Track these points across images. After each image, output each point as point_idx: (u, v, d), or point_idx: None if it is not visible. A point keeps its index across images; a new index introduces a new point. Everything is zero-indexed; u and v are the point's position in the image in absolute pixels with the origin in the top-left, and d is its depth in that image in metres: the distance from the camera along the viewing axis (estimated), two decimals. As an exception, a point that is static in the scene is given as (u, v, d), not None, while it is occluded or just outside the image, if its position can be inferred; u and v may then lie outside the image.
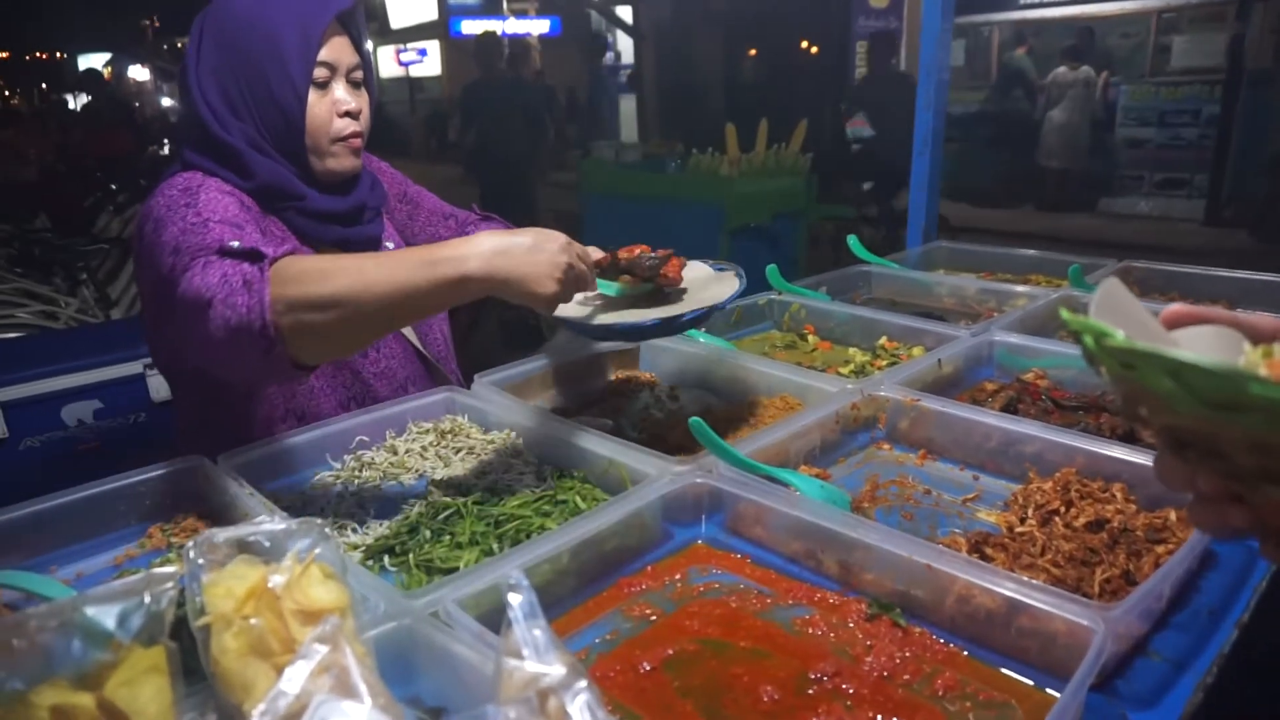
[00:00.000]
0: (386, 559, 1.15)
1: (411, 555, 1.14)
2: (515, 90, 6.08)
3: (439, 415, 1.56)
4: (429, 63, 17.98)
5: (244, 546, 0.81)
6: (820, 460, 1.43)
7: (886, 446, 1.50)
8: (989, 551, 1.10)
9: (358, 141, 1.48)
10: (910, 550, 1.03)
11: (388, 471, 1.39)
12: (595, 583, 1.11)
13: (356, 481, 1.36)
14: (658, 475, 1.22)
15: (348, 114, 1.45)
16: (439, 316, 1.72)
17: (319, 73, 1.41)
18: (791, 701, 0.89)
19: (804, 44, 10.62)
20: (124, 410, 2.62)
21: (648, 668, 0.94)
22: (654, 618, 1.04)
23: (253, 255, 1.11)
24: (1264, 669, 1.05)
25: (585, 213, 5.70)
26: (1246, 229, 7.58)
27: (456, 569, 1.07)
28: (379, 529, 1.23)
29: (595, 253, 1.45)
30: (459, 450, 1.43)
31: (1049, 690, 0.91)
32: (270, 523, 0.83)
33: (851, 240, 2.50)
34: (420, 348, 1.66)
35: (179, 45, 17.98)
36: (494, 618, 0.83)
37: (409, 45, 18.05)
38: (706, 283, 1.50)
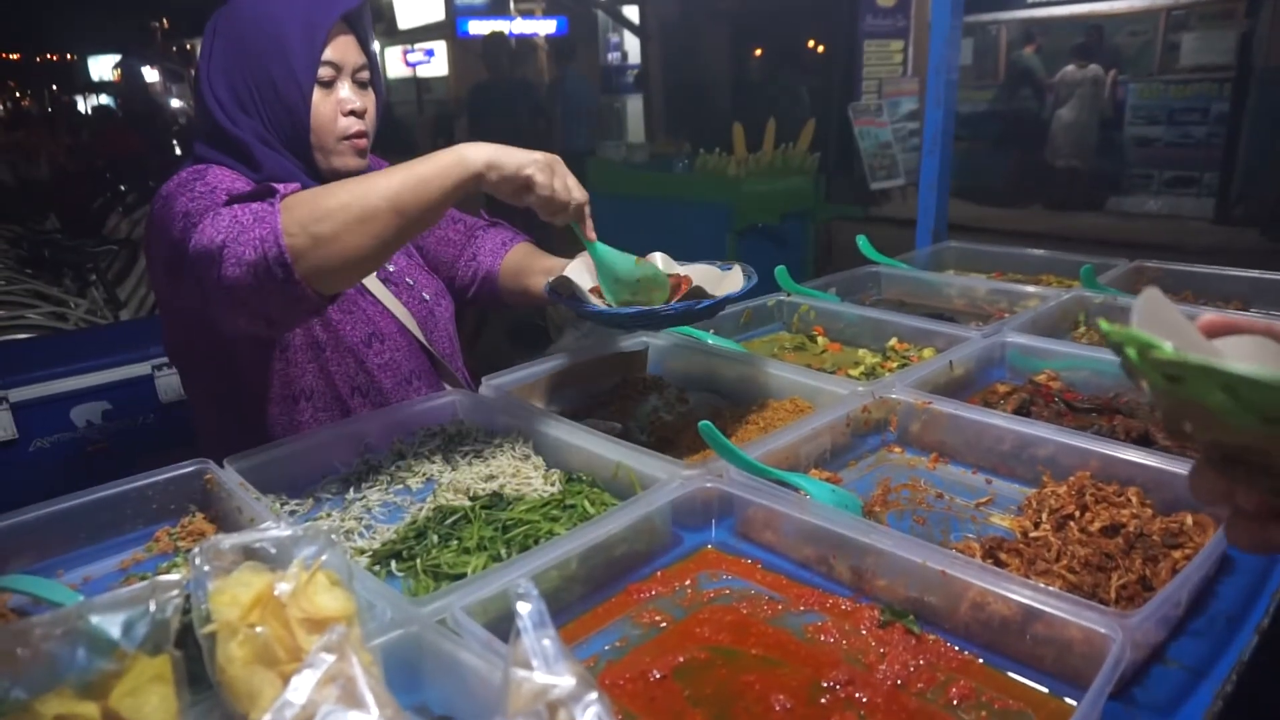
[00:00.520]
0: (393, 564, 1.14)
1: (419, 560, 1.13)
2: (523, 91, 6.08)
3: (446, 418, 1.55)
4: (436, 63, 18.00)
5: (250, 553, 0.80)
6: (831, 464, 1.42)
7: (898, 450, 1.49)
8: (1003, 557, 1.09)
9: (363, 141, 1.49)
10: (924, 556, 1.01)
11: (395, 475, 1.38)
12: (604, 589, 1.10)
13: (364, 485, 1.36)
14: (667, 479, 1.21)
15: (352, 113, 1.46)
16: (445, 315, 1.72)
17: (324, 72, 1.42)
18: (804, 711, 0.88)
19: (811, 43, 10.60)
20: (133, 411, 2.63)
21: (658, 676, 0.93)
22: (664, 625, 1.03)
23: (263, 193, 1.17)
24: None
25: (593, 213, 5.69)
26: (1258, 228, 7.53)
27: (464, 575, 1.07)
28: (386, 533, 1.22)
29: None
30: (466, 454, 1.42)
31: (1066, 699, 0.89)
32: (276, 529, 0.82)
33: (861, 240, 2.48)
34: (426, 343, 1.65)
35: (188, 46, 18.06)
36: (502, 625, 0.82)
37: (416, 46, 18.07)
38: (718, 280, 1.50)
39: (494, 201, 1.38)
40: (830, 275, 2.33)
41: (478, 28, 14.19)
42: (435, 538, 1.17)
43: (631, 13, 12.34)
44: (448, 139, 13.48)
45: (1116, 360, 0.47)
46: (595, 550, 1.08)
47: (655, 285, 1.42)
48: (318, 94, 1.42)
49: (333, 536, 0.83)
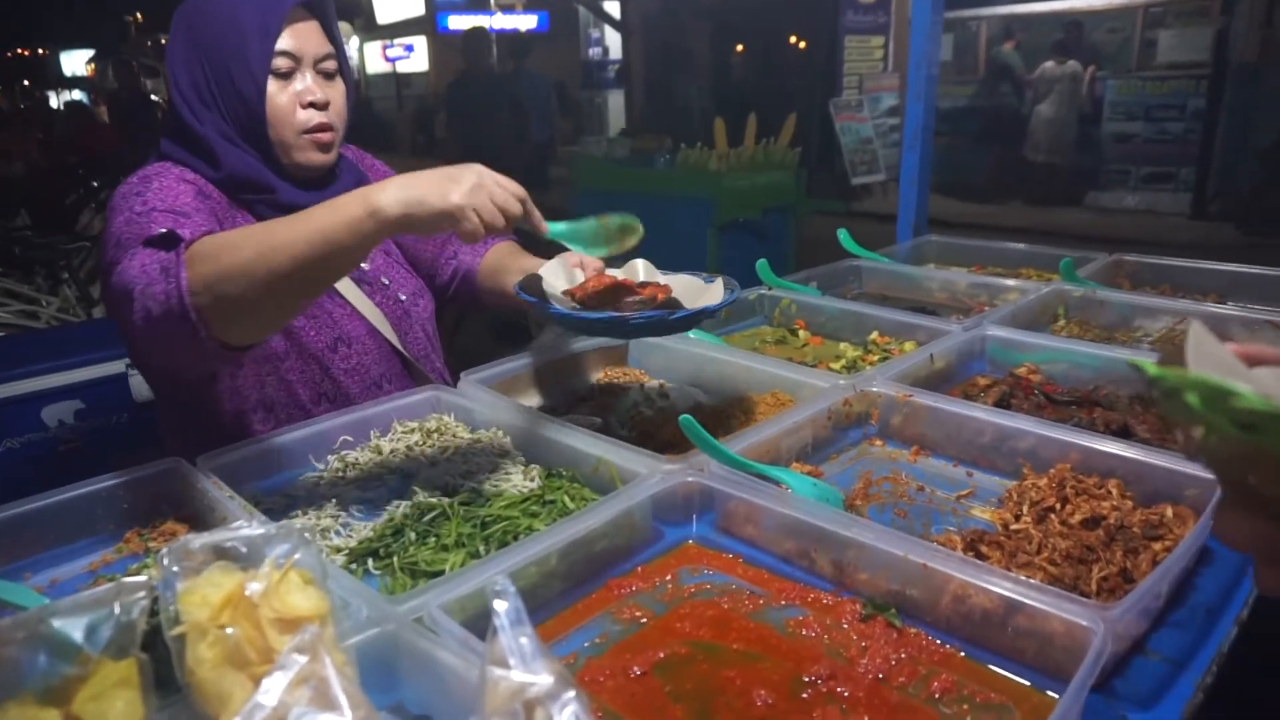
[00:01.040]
0: (370, 562, 1.12)
1: (396, 558, 1.11)
2: (502, 86, 6.04)
3: (424, 414, 1.53)
4: (416, 58, 17.89)
5: (220, 553, 0.78)
6: (812, 457, 1.41)
7: (879, 443, 1.49)
8: (984, 550, 1.08)
9: (326, 135, 1.44)
10: (905, 549, 1.01)
11: (372, 472, 1.36)
12: (584, 584, 1.09)
13: (340, 483, 1.34)
14: (647, 474, 1.20)
15: (312, 105, 1.41)
16: (422, 314, 1.68)
17: (280, 62, 1.37)
18: (785, 705, 0.87)
19: (792, 39, 10.61)
20: (106, 411, 2.58)
21: (638, 672, 0.92)
22: (644, 620, 1.02)
23: (169, 241, 1.12)
24: (1265, 668, 1.03)
25: (575, 208, 5.67)
26: (1233, 223, 7.61)
27: (442, 572, 1.05)
28: (363, 531, 1.20)
29: (594, 263, 1.42)
30: (445, 450, 1.41)
31: (1047, 692, 0.89)
32: (248, 528, 0.80)
33: (842, 234, 2.48)
34: (398, 345, 1.61)
35: (163, 41, 17.83)
36: (480, 622, 0.80)
37: (395, 41, 17.95)
38: (699, 292, 1.46)
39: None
40: (812, 269, 2.32)
41: (457, 23, 14.11)
42: (413, 535, 1.15)
43: (613, 8, 12.32)
44: (428, 134, 13.40)
45: (1111, 363, 0.44)
46: (575, 546, 1.07)
47: (628, 232, 1.37)
48: (274, 85, 1.37)
49: (306, 535, 0.81)
